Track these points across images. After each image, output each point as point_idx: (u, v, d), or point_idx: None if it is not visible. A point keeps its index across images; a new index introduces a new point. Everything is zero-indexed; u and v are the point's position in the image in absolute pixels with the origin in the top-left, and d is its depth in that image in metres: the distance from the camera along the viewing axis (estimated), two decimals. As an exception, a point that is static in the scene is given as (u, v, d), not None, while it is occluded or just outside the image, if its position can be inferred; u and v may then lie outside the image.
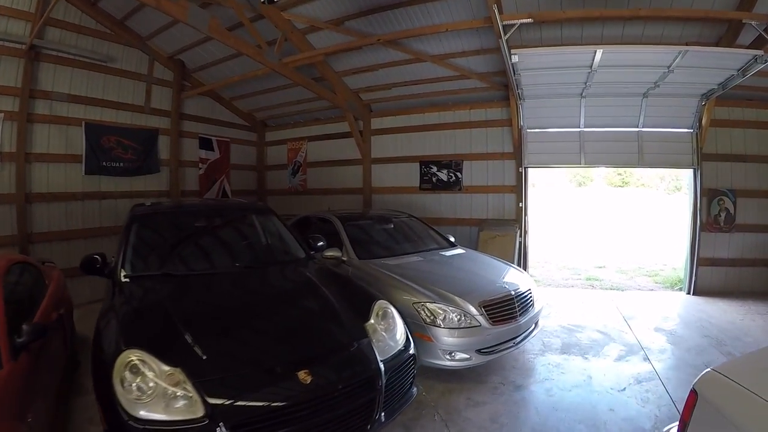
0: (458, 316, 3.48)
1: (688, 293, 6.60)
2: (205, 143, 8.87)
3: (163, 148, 7.75)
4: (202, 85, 8.16)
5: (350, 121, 8.12)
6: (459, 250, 5.04)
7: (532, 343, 4.42)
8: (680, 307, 6.01)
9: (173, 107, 7.89)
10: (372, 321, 2.71)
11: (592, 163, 6.76)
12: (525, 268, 7.06)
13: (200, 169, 8.74)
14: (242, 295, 2.99)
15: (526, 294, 4.02)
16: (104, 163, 6.73)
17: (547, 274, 8.52)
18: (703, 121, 6.28)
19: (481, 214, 7.31)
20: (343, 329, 2.58)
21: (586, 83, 5.69)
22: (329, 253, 4.40)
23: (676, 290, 7.09)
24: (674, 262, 9.62)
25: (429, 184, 7.69)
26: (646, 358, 4.19)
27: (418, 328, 3.50)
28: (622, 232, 15.86)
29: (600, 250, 11.66)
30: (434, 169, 7.62)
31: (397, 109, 8.06)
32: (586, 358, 4.22)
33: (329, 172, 9.09)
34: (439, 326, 3.44)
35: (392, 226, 5.40)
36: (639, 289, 7.21)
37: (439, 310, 3.49)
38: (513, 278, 4.26)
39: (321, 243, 4.13)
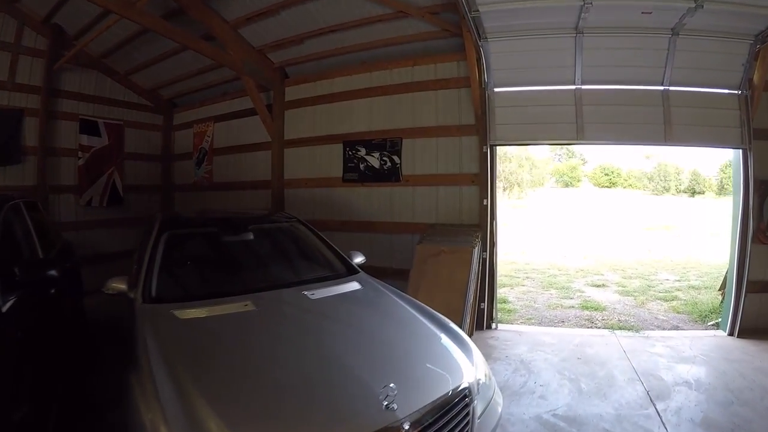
0: None
1: (730, 334, 4.50)
2: (89, 127, 7.00)
3: (31, 132, 6.18)
4: (84, 54, 6.21)
5: (251, 90, 5.73)
6: (348, 286, 2.65)
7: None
8: (726, 363, 3.81)
9: (44, 82, 6.16)
10: None
11: (593, 138, 4.43)
12: (492, 295, 4.77)
13: (80, 158, 6.91)
14: None
15: (449, 408, 1.70)
16: None
17: (526, 298, 6.29)
18: (755, 79, 4.21)
19: (429, 216, 4.97)
20: None
21: (584, 2, 3.43)
22: (114, 284, 2.53)
23: (710, 327, 4.96)
24: (689, 277, 7.90)
25: (355, 173, 5.30)
26: None
27: None
28: (618, 236, 14.16)
29: (596, 260, 9.76)
30: (362, 152, 5.24)
31: (318, 71, 5.75)
32: None
33: (236, 161, 6.79)
34: None
35: (251, 237, 3.14)
36: (659, 327, 4.98)
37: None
38: (429, 367, 1.93)
39: (51, 271, 1.88)
